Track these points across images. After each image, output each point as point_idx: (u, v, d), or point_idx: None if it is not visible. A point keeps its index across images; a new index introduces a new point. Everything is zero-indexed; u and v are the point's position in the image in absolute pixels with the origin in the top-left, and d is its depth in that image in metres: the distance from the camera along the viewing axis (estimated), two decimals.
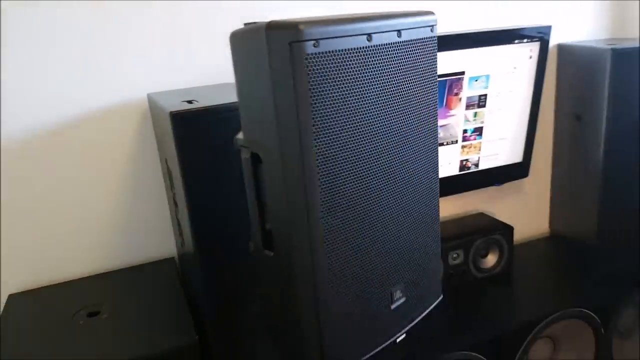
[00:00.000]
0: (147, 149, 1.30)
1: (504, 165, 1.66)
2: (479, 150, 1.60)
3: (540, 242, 1.83)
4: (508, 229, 1.60)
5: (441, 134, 1.51)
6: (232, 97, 1.00)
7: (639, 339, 1.68)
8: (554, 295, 1.50)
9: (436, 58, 0.76)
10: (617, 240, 1.62)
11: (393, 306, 0.79)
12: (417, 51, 0.72)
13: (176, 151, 0.93)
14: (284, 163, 0.67)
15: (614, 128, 1.51)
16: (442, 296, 0.90)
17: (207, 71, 1.30)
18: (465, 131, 1.55)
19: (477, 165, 1.62)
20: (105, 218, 1.30)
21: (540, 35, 1.51)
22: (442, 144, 1.54)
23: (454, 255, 1.54)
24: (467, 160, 1.60)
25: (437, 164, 0.83)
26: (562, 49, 1.67)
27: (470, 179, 1.63)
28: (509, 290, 1.56)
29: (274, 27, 0.60)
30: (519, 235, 1.80)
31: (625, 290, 1.58)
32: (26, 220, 1.22)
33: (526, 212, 1.83)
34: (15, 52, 1.13)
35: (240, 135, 0.76)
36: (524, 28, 1.48)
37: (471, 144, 1.58)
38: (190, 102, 1.00)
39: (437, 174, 0.84)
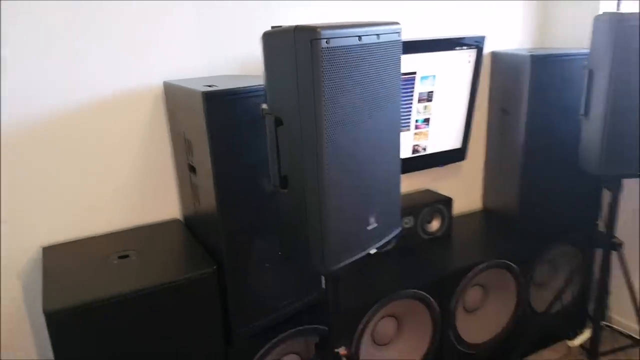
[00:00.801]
0: (157, 128, 1.55)
1: (447, 150, 2.04)
2: (427, 137, 1.97)
3: (475, 214, 2.23)
4: (448, 201, 1.98)
5: None
6: (241, 83, 1.29)
7: (551, 289, 2.10)
8: (482, 251, 1.89)
9: (401, 55, 1.10)
10: (534, 211, 2.02)
11: (369, 228, 1.12)
12: (389, 49, 1.06)
13: (206, 123, 1.21)
14: (302, 125, 0.98)
15: (533, 120, 1.91)
16: (401, 228, 1.24)
17: (215, 64, 1.58)
18: (417, 121, 1.92)
19: (425, 149, 1.99)
20: (120, 185, 1.55)
21: (476, 44, 1.90)
22: None
23: (406, 221, 1.90)
24: (418, 145, 1.96)
25: (399, 129, 1.17)
26: (494, 55, 2.07)
27: (420, 161, 2.00)
28: (449, 248, 1.94)
29: (300, 29, 0.92)
30: (457, 209, 2.19)
31: (540, 249, 1.99)
32: (53, 185, 1.45)
33: (464, 189, 2.23)
34: (46, 39, 1.36)
35: (264, 106, 1.06)
36: (464, 37, 1.87)
37: (421, 131, 1.95)
38: (210, 86, 1.28)
39: (399, 137, 1.18)
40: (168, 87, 1.50)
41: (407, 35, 1.90)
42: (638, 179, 2.05)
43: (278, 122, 1.03)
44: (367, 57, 1.00)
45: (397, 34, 1.08)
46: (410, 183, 2.09)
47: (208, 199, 1.32)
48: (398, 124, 1.17)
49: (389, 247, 1.87)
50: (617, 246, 1.85)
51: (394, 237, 1.22)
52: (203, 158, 1.29)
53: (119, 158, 1.53)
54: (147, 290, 1.20)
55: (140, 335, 1.22)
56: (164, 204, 1.63)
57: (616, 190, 1.81)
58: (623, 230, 2.13)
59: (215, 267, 1.28)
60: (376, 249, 1.15)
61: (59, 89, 1.40)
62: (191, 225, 1.58)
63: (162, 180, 1.61)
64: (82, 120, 1.45)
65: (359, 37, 0.98)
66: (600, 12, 1.59)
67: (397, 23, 1.08)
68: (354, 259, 1.10)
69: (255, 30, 1.61)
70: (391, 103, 1.12)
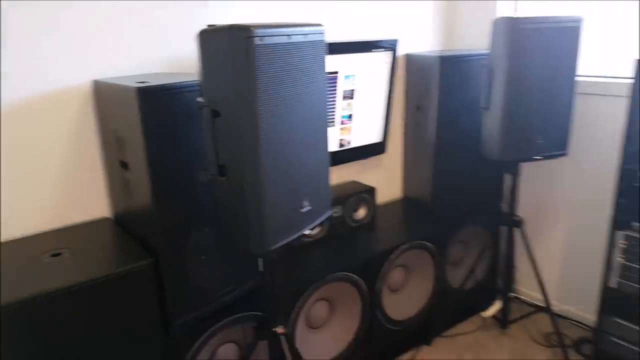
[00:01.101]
0: (85, 126, 1.55)
1: (369, 144, 2.20)
2: (351, 132, 2.11)
3: (397, 202, 2.41)
4: (372, 190, 2.14)
5: None
6: (173, 79, 1.33)
7: (465, 266, 2.32)
8: (403, 235, 2.06)
9: (325, 53, 1.22)
10: (446, 197, 2.23)
11: (303, 210, 1.22)
12: (315, 48, 1.17)
13: (140, 119, 1.24)
14: (238, 116, 1.06)
15: (442, 114, 2.12)
16: (331, 211, 1.35)
17: (145, 62, 1.60)
18: (342, 117, 2.05)
19: (350, 143, 2.13)
20: (49, 185, 1.52)
21: (391, 46, 2.07)
22: None
23: (335, 210, 2.02)
24: (343, 139, 2.10)
25: (327, 121, 1.28)
26: (408, 57, 2.26)
27: (346, 154, 2.13)
28: (374, 233, 2.09)
29: (236, 28, 1.00)
30: (381, 198, 2.36)
31: (452, 230, 2.21)
32: None
33: (386, 180, 2.40)
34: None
35: (200, 99, 1.12)
36: (380, 41, 2.03)
37: (346, 127, 2.08)
38: (143, 82, 1.32)
39: (327, 128, 1.29)
40: (98, 85, 1.50)
41: (331, 38, 2.03)
42: (533, 162, 2.34)
43: (215, 114, 1.10)
44: (296, 54, 1.10)
45: (321, 34, 1.19)
46: (338, 175, 2.22)
47: (142, 194, 1.35)
48: (325, 116, 1.28)
49: (321, 234, 1.98)
50: (519, 223, 2.11)
51: (326, 219, 1.33)
52: (137, 153, 1.32)
53: (46, 158, 1.50)
54: (82, 284, 1.20)
55: (78, 329, 1.22)
56: (94, 202, 1.61)
57: (515, 173, 2.06)
58: (524, 209, 2.42)
59: (150, 260, 1.31)
60: (310, 229, 1.25)
61: None
62: (123, 223, 1.58)
63: (91, 179, 1.60)
64: (8, 120, 1.42)
65: (289, 35, 1.07)
66: (498, 17, 1.81)
67: (321, 25, 1.19)
68: (290, 238, 1.19)
69: (184, 30, 1.65)
70: (318, 96, 1.23)
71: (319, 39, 1.18)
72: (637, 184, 1.72)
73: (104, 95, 1.47)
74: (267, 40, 1.02)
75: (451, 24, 2.46)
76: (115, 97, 1.38)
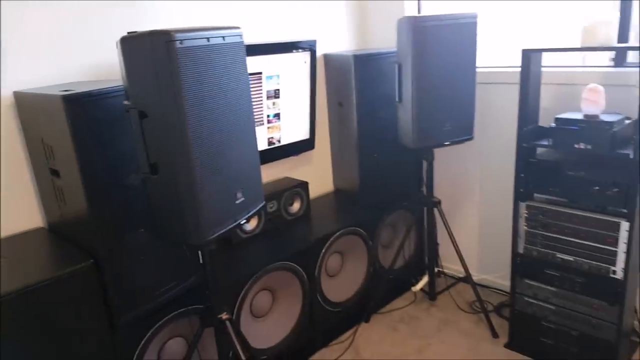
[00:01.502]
0: (9, 138, 1.55)
1: (298, 141, 2.32)
2: (280, 130, 2.23)
3: (329, 194, 2.56)
4: (305, 184, 2.26)
5: None
6: (95, 86, 1.38)
7: (396, 248, 2.50)
8: (336, 223, 2.20)
9: (244, 52, 1.32)
10: (371, 185, 2.39)
11: (237, 202, 1.31)
12: (234, 49, 1.27)
13: (68, 126, 1.28)
14: (165, 115, 1.14)
15: (361, 109, 2.28)
16: (264, 202, 1.46)
17: (65, 72, 1.62)
18: (268, 116, 2.16)
19: (279, 141, 2.24)
20: None
21: (309, 47, 2.20)
22: None
23: (271, 205, 2.13)
24: (272, 137, 2.20)
25: (253, 117, 1.38)
26: (326, 57, 2.40)
27: (276, 152, 2.24)
28: (309, 224, 2.22)
29: (156, 33, 1.08)
30: (314, 192, 2.49)
31: (380, 215, 2.37)
32: None
33: (317, 174, 2.53)
34: None
35: (126, 102, 1.19)
36: (299, 42, 2.16)
37: (274, 125, 2.19)
38: (67, 90, 1.35)
39: (254, 124, 1.39)
40: (20, 96, 1.51)
41: (253, 40, 2.13)
42: (445, 148, 2.56)
43: (142, 115, 1.17)
44: (216, 55, 1.20)
45: (239, 37, 1.29)
46: (270, 173, 2.32)
47: (76, 199, 1.39)
48: (250, 112, 1.38)
49: (259, 229, 2.07)
50: (436, 204, 2.31)
51: (263, 213, 1.43)
52: (67, 160, 1.35)
53: None
54: (26, 289, 1.23)
55: (29, 331, 1.25)
56: (26, 213, 1.62)
57: (430, 158, 2.26)
58: (442, 190, 2.64)
59: (90, 261, 1.36)
60: (245, 219, 1.35)
61: None
62: (57, 230, 1.60)
63: (21, 190, 1.60)
64: None
65: (207, 38, 1.17)
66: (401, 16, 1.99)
67: (238, 27, 1.30)
68: (226, 228, 1.28)
69: (102, 38, 1.69)
70: (242, 94, 1.33)
71: (237, 40, 1.28)
72: (534, 160, 1.96)
73: (28, 106, 1.49)
74: (187, 44, 1.11)
75: (365, 24, 2.64)
76: (40, 107, 1.41)
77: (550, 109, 2.06)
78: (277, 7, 2.20)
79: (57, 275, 1.29)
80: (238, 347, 1.47)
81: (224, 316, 1.46)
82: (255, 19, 2.14)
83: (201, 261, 1.40)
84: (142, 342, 1.54)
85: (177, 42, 1.08)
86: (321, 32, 2.41)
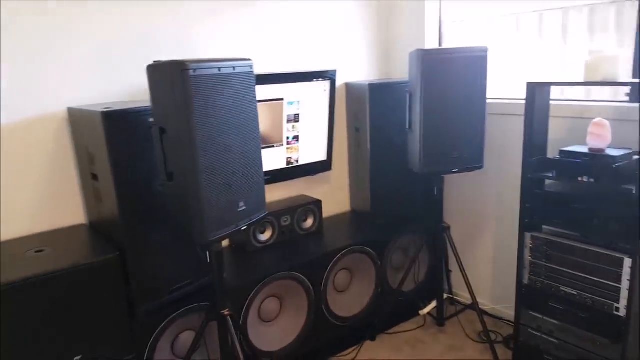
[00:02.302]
0: (62, 146, 1.83)
1: (315, 162, 2.50)
2: (298, 151, 2.42)
3: (344, 214, 2.71)
4: (319, 202, 2.43)
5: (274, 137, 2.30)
6: (131, 105, 1.63)
7: (404, 270, 2.60)
8: (346, 240, 2.34)
9: (254, 82, 1.53)
10: (382, 207, 2.52)
11: (239, 210, 1.50)
12: (244, 78, 1.48)
13: (105, 137, 1.53)
14: (179, 132, 1.36)
15: (375, 135, 2.43)
16: (266, 212, 1.64)
17: (109, 93, 1.90)
18: (288, 138, 2.36)
19: (297, 161, 2.43)
20: (33, 195, 1.79)
21: (330, 76, 2.40)
22: (273, 146, 2.32)
23: (284, 219, 2.31)
24: (291, 157, 2.40)
25: (259, 137, 1.58)
26: (347, 85, 2.60)
27: (294, 171, 2.43)
28: (320, 240, 2.37)
29: (174, 63, 1.31)
30: (330, 211, 2.65)
31: (389, 237, 2.49)
32: None
33: (334, 194, 2.70)
34: None
35: (151, 119, 1.42)
36: (320, 71, 2.37)
37: (292, 146, 2.39)
38: (107, 108, 1.61)
39: (260, 143, 1.59)
40: (72, 111, 1.80)
41: (278, 69, 2.37)
42: (459, 175, 2.65)
43: (162, 131, 1.40)
44: (226, 83, 1.42)
45: (249, 67, 1.51)
46: (288, 190, 2.51)
47: (109, 200, 1.63)
48: (256, 133, 1.58)
49: (272, 240, 2.25)
50: (446, 229, 2.41)
51: (260, 218, 1.61)
52: (104, 166, 1.60)
53: (30, 172, 1.78)
54: (61, 271, 1.46)
55: (59, 309, 1.47)
56: (71, 211, 1.88)
57: (439, 184, 2.37)
58: (455, 217, 2.72)
59: (116, 253, 1.58)
60: (246, 225, 1.54)
61: None
62: (95, 227, 1.85)
63: (69, 191, 1.87)
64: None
65: (219, 68, 1.39)
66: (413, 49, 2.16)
67: (249, 60, 1.51)
68: (229, 231, 1.48)
69: (140, 65, 1.96)
70: (249, 117, 1.54)
71: (247, 70, 1.49)
72: (539, 191, 2.01)
73: (77, 119, 1.77)
74: (200, 72, 1.33)
75: (388, 56, 2.82)
76: (86, 121, 1.67)
77: (562, 142, 2.12)
78: (305, 40, 2.43)
79: (86, 263, 1.52)
80: (236, 341, 1.63)
81: (226, 312, 1.64)
82: (285, 51, 2.37)
83: (208, 260, 1.60)
84: (157, 330, 1.74)
85: (191, 70, 1.30)
86: (346, 63, 2.62)
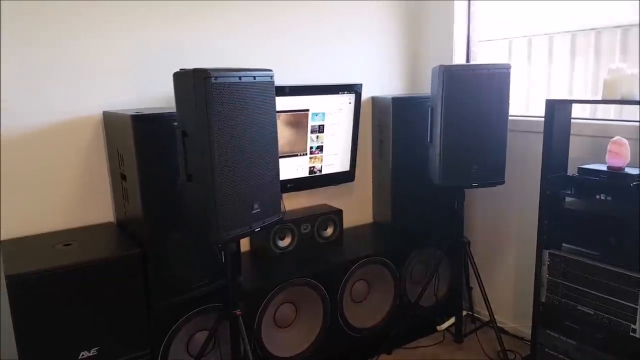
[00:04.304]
0: (96, 147, 1.96)
1: (338, 172, 2.55)
2: (322, 160, 2.47)
3: (365, 226, 2.73)
4: (339, 212, 2.47)
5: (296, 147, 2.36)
6: (159, 110, 1.73)
7: (423, 284, 2.58)
8: (364, 251, 2.35)
9: (274, 91, 1.60)
10: (403, 219, 2.54)
11: (253, 212, 1.56)
12: (264, 87, 1.55)
13: (133, 139, 1.63)
14: (199, 136, 1.43)
15: (397, 148, 2.45)
16: (281, 216, 1.69)
17: (143, 98, 2.02)
18: (311, 147, 2.42)
19: (320, 170, 2.48)
20: (65, 193, 1.91)
21: (355, 89, 2.45)
22: (297, 155, 2.38)
23: (305, 227, 2.36)
24: (314, 167, 2.46)
25: (276, 144, 1.64)
26: (374, 99, 2.64)
27: (317, 180, 2.48)
28: (339, 249, 2.40)
29: (197, 71, 1.39)
30: (351, 222, 2.68)
31: (409, 249, 2.49)
32: (11, 190, 1.80)
33: (356, 205, 2.73)
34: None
35: (176, 123, 1.51)
36: (346, 85, 2.42)
37: (316, 156, 2.45)
38: (138, 113, 1.71)
39: (277, 150, 1.65)
40: (106, 114, 1.92)
41: (300, 81, 2.43)
42: (483, 189, 2.63)
43: (184, 134, 1.48)
44: (246, 91, 1.49)
45: (269, 77, 1.58)
46: (310, 199, 2.56)
47: (135, 198, 1.72)
48: (274, 141, 1.65)
49: (292, 246, 2.30)
50: (466, 244, 2.39)
51: (274, 221, 1.67)
52: (131, 166, 1.70)
53: (65, 171, 1.91)
54: (85, 263, 1.56)
55: (80, 300, 1.56)
56: (101, 209, 2.00)
57: (460, 198, 2.36)
58: (478, 232, 2.69)
59: (138, 249, 1.67)
60: (259, 227, 1.59)
61: (25, 117, 1.81)
62: (122, 225, 1.96)
63: (100, 189, 1.99)
64: (38, 141, 1.83)
65: (240, 77, 1.46)
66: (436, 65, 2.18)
67: (270, 70, 1.58)
68: (242, 232, 1.54)
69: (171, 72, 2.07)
70: (267, 124, 1.60)
71: (267, 80, 1.56)
72: (558, 208, 1.99)
73: (110, 122, 1.89)
74: (221, 80, 1.40)
75: (416, 72, 2.85)
76: (118, 123, 1.79)
77: (584, 160, 2.08)
78: (334, 54, 2.51)
79: (109, 257, 1.61)
80: (246, 342, 1.68)
81: (238, 312, 1.69)
82: (314, 63, 2.45)
83: (222, 260, 1.66)
84: (173, 327, 1.81)
85: (212, 78, 1.38)
86: (373, 77, 2.67)
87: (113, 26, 1.92)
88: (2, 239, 1.80)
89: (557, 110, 1.96)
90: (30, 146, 1.83)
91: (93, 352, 1.60)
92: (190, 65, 2.08)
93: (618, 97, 1.78)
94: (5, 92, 1.76)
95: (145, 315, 1.71)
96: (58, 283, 1.52)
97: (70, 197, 1.93)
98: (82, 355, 1.58)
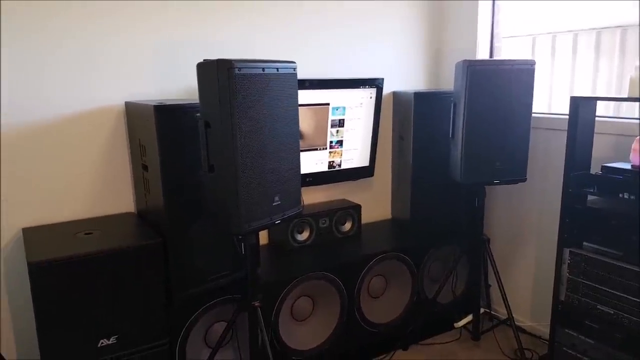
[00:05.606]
0: (118, 137, 1.97)
1: (357, 167, 2.53)
2: (341, 155, 2.46)
3: (384, 221, 2.71)
4: (358, 207, 2.46)
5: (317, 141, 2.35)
6: (182, 102, 1.73)
7: (441, 281, 2.56)
8: (382, 247, 2.34)
9: (297, 83, 1.59)
10: (422, 216, 2.51)
11: (274, 204, 1.56)
12: (286, 79, 1.54)
13: (155, 130, 1.64)
14: (222, 126, 1.43)
15: (417, 143, 2.42)
16: (301, 209, 1.69)
17: (165, 90, 2.03)
18: (331, 142, 2.41)
19: (340, 165, 2.47)
20: (88, 182, 1.93)
21: (376, 84, 2.43)
22: (316, 149, 2.37)
23: (323, 221, 2.35)
24: (333, 161, 2.45)
25: (298, 137, 1.64)
26: (395, 94, 2.62)
27: (336, 175, 2.47)
28: (357, 244, 2.39)
29: (221, 61, 1.39)
30: (370, 217, 2.66)
31: (427, 246, 2.47)
32: (33, 179, 1.83)
33: (375, 200, 2.71)
34: (21, 61, 1.79)
35: (198, 114, 1.51)
36: (366, 79, 2.40)
37: (335, 150, 2.44)
38: (160, 104, 1.72)
39: (298, 142, 1.64)
40: (129, 105, 1.93)
41: (321, 75, 2.42)
42: (505, 186, 2.59)
43: (207, 125, 1.48)
44: (269, 82, 1.48)
45: (292, 69, 1.57)
46: (328, 194, 2.56)
47: (156, 189, 1.73)
48: (296, 133, 1.64)
49: (310, 241, 2.30)
50: (485, 242, 2.36)
51: (295, 214, 1.66)
52: (153, 157, 1.71)
53: (88, 160, 1.93)
54: (107, 252, 1.58)
55: (100, 289, 1.58)
56: (122, 199, 2.02)
57: (481, 195, 2.33)
58: (498, 229, 2.66)
59: (159, 239, 1.68)
60: (280, 220, 1.59)
61: (49, 105, 1.83)
62: (143, 215, 1.97)
63: (122, 180, 2.00)
64: (61, 130, 1.86)
65: (263, 68, 1.46)
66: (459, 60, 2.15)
67: (293, 62, 1.57)
68: (263, 224, 1.53)
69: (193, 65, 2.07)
70: (290, 116, 1.60)
71: (290, 72, 1.56)
72: (579, 206, 1.96)
73: (132, 112, 1.90)
74: (244, 71, 1.40)
75: (439, 67, 2.82)
76: (140, 114, 1.80)
77: (607, 159, 2.05)
78: (357, 48, 2.49)
79: (130, 246, 1.62)
80: (264, 333, 1.68)
81: (257, 304, 1.70)
82: (336, 57, 2.44)
83: (242, 252, 1.66)
84: (192, 318, 1.82)
85: (236, 69, 1.38)
86: (395, 72, 2.65)
87: (138, 20, 1.93)
88: (24, 227, 1.82)
89: (582, 107, 1.92)
90: (54, 135, 1.85)
91: (112, 340, 1.62)
92: (209, 56, 2.11)
93: None
94: (37, 82, 1.78)
95: (165, 306, 1.72)
96: (79, 271, 1.53)
97: (91, 187, 1.95)
98: (102, 343, 1.60)
